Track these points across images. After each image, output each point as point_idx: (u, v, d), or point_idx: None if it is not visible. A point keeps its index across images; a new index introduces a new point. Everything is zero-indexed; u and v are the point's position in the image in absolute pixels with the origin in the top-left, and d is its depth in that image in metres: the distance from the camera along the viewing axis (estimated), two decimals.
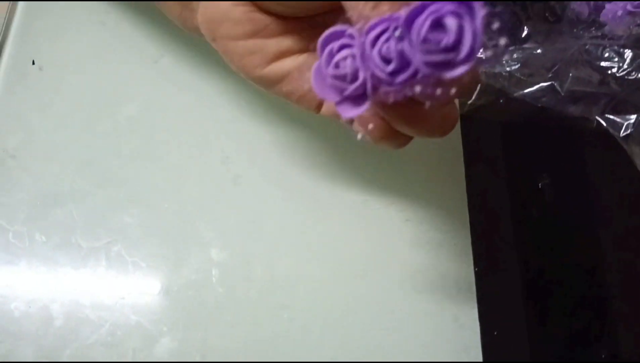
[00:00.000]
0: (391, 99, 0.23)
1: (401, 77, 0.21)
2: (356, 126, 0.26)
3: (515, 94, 0.42)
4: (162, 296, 0.40)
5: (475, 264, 0.41)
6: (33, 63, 0.47)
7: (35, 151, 0.44)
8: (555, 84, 0.40)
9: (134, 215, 0.42)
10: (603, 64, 0.40)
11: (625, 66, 0.41)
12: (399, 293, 0.41)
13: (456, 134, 0.45)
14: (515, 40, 0.43)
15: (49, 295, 0.40)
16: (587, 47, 0.40)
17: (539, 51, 0.42)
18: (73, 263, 0.41)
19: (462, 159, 0.44)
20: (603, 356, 0.39)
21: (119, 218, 0.42)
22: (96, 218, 0.42)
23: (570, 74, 0.39)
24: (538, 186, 0.43)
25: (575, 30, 0.43)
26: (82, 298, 0.40)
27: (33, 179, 0.43)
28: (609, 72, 0.40)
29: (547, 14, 0.42)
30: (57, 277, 0.40)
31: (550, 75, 0.41)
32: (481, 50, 0.21)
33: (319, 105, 0.33)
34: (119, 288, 0.40)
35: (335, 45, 0.23)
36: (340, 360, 0.39)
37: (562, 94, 0.39)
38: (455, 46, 0.20)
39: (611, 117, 0.40)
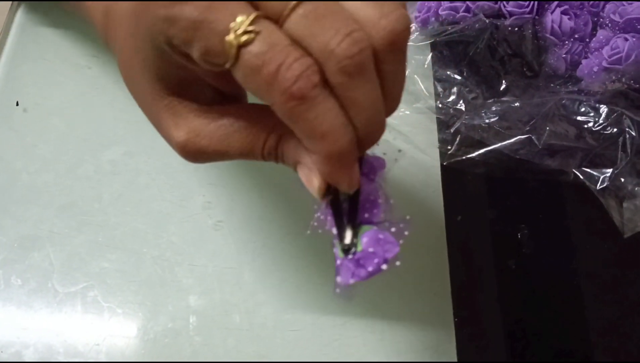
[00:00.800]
0: None
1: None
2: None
3: (494, 146, 0.42)
4: (138, 344, 0.39)
5: (455, 314, 0.41)
6: (17, 104, 0.47)
7: (16, 193, 0.44)
8: (533, 138, 0.41)
9: (112, 260, 0.42)
10: (579, 118, 0.41)
11: (601, 121, 0.42)
12: (377, 343, 0.40)
13: (436, 184, 0.45)
14: (494, 93, 0.44)
15: (22, 340, 0.39)
16: (563, 101, 0.41)
17: (516, 104, 0.43)
18: (48, 308, 0.40)
19: (442, 209, 0.44)
20: None
21: (96, 263, 0.42)
22: (74, 262, 0.41)
23: (547, 128, 0.40)
24: (517, 236, 0.43)
25: (552, 85, 0.44)
26: (56, 344, 0.39)
27: (12, 222, 0.43)
28: (585, 126, 0.41)
29: (524, 69, 0.44)
30: (31, 322, 0.40)
31: (527, 128, 0.42)
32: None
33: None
34: (93, 335, 0.39)
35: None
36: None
37: (540, 147, 0.40)
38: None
39: (588, 170, 0.41)
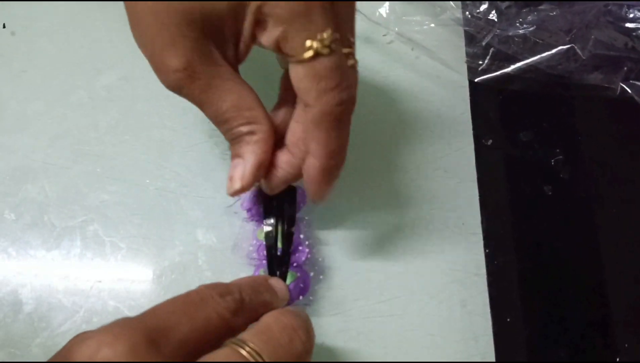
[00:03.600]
0: None
1: None
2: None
3: (531, 59, 0.38)
4: (143, 280, 0.36)
5: (486, 245, 0.38)
6: (4, 27, 0.43)
7: (6, 122, 0.40)
8: (576, 48, 0.36)
9: (112, 192, 0.38)
10: (628, 25, 0.36)
11: None
12: (403, 278, 0.37)
13: (464, 104, 0.41)
14: (530, 0, 0.39)
15: (18, 278, 0.36)
16: (609, 7, 0.36)
17: (555, 12, 0.38)
18: (45, 244, 0.37)
19: (471, 132, 0.40)
20: (626, 345, 0.35)
21: (95, 195, 0.38)
22: (71, 195, 0.38)
23: (592, 36, 0.36)
24: (552, 161, 0.40)
25: None
26: (54, 281, 0.36)
27: (2, 153, 0.39)
28: (635, 33, 0.36)
29: None
30: (27, 259, 0.37)
31: (569, 38, 0.37)
32: None
33: None
34: (95, 271, 0.36)
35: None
36: (342, 345, 0.35)
37: (583, 58, 0.36)
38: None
39: (637, 83, 0.36)
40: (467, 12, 0.40)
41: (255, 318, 0.28)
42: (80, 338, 0.22)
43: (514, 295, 0.36)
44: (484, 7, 0.40)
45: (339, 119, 0.28)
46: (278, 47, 0.28)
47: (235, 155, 0.32)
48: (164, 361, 0.23)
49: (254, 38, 0.29)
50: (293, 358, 0.25)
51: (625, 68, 0.37)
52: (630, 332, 0.36)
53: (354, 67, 0.29)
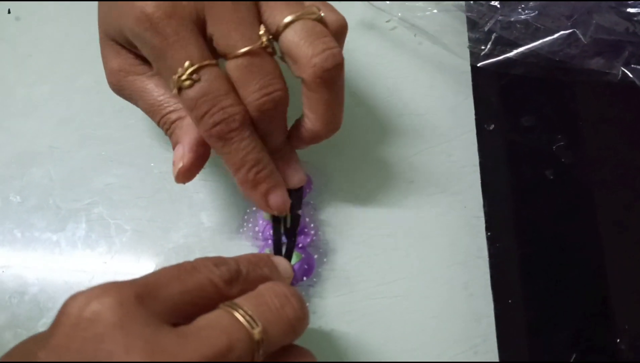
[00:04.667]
0: None
1: None
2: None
3: (532, 44, 0.38)
4: (148, 262, 0.37)
5: (488, 228, 0.38)
6: (9, 12, 0.43)
7: (12, 106, 0.41)
8: (578, 32, 0.36)
9: (117, 175, 0.39)
10: (630, 10, 0.36)
11: None
12: (404, 259, 0.37)
13: (467, 89, 0.41)
14: None
15: (24, 259, 0.36)
16: None
17: None
18: (50, 226, 0.37)
19: (473, 117, 0.41)
20: (626, 327, 0.36)
21: (101, 179, 0.39)
22: (76, 178, 0.39)
23: (594, 21, 0.36)
24: (554, 145, 0.40)
25: None
26: (60, 263, 0.36)
27: (9, 137, 0.40)
28: (636, 18, 0.36)
29: None
30: (32, 241, 0.37)
31: (570, 23, 0.37)
32: None
33: None
34: (100, 253, 0.37)
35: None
36: (345, 326, 0.36)
37: (585, 42, 0.36)
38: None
39: (638, 67, 0.37)
40: None
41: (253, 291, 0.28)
42: (73, 296, 0.24)
43: (515, 278, 0.37)
44: None
45: (223, 136, 0.30)
46: None
47: (174, 143, 0.33)
48: (150, 316, 0.23)
49: None
50: (284, 322, 0.26)
51: (627, 53, 0.37)
52: (630, 314, 0.36)
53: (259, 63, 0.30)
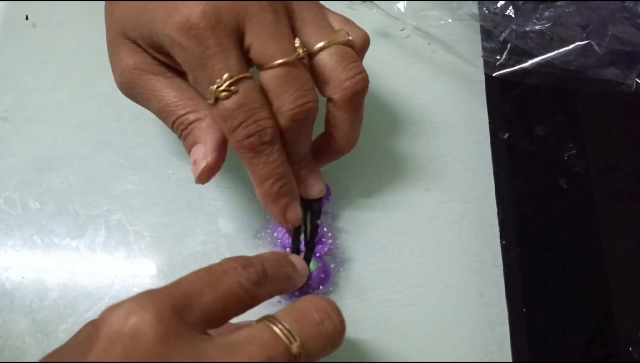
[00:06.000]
0: None
1: None
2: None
3: (547, 55, 0.39)
4: (166, 268, 0.37)
5: (502, 237, 0.38)
6: (27, 19, 0.43)
7: (29, 112, 0.41)
8: (593, 43, 0.37)
9: (135, 182, 0.39)
10: None
11: None
12: (419, 267, 0.38)
13: (481, 98, 0.42)
14: None
15: (43, 265, 0.37)
16: (625, 3, 0.37)
17: (572, 8, 0.39)
18: (70, 232, 0.38)
19: (487, 126, 0.41)
20: (639, 335, 0.36)
21: (119, 185, 0.39)
22: (95, 185, 0.39)
23: (610, 32, 0.36)
24: (567, 154, 0.40)
25: None
26: (79, 269, 0.37)
27: (26, 143, 0.40)
28: None
29: None
30: (52, 247, 0.37)
31: (585, 34, 0.38)
32: None
33: None
34: (119, 259, 0.37)
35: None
36: (360, 333, 0.36)
37: (600, 54, 0.36)
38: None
39: None
40: (484, 8, 0.41)
41: (278, 290, 0.29)
42: (110, 309, 0.24)
43: (529, 286, 0.37)
44: (501, 3, 0.40)
45: (254, 149, 0.31)
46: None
47: (190, 144, 0.33)
48: (188, 328, 0.24)
49: None
50: (322, 336, 0.26)
51: None
52: None
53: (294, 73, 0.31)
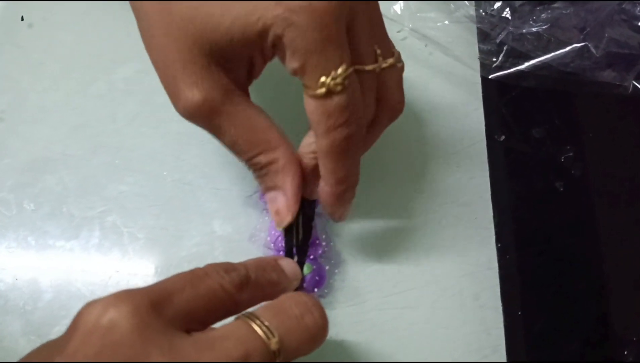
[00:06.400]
0: None
1: None
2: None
3: (543, 58, 0.39)
4: (160, 270, 0.37)
5: (498, 240, 0.38)
6: (22, 19, 0.43)
7: (25, 113, 0.41)
8: (590, 46, 0.37)
9: (130, 183, 0.39)
10: None
11: None
12: (414, 270, 0.38)
13: (477, 100, 0.41)
14: None
15: (38, 267, 0.37)
16: (623, 5, 0.37)
17: (569, 10, 0.38)
18: (64, 234, 0.38)
19: (483, 128, 0.41)
20: (634, 339, 0.36)
21: (114, 186, 0.39)
22: (90, 186, 0.39)
23: (607, 35, 0.36)
24: (563, 157, 0.40)
25: None
26: (73, 270, 0.37)
27: (22, 143, 0.40)
28: None
29: None
30: (46, 248, 0.37)
31: (582, 36, 0.37)
32: None
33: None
34: (113, 261, 0.37)
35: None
36: (355, 336, 0.36)
37: (597, 56, 0.36)
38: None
39: None
40: (481, 10, 0.40)
41: (263, 295, 0.28)
42: (88, 303, 0.24)
43: (525, 289, 0.37)
44: (497, 4, 0.40)
45: (346, 150, 0.29)
46: (294, 74, 0.28)
47: (267, 188, 0.32)
48: (166, 323, 0.24)
49: (267, 61, 0.30)
50: (302, 331, 0.26)
51: (639, 66, 0.37)
52: (638, 326, 0.37)
53: (394, 73, 0.31)
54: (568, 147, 0.40)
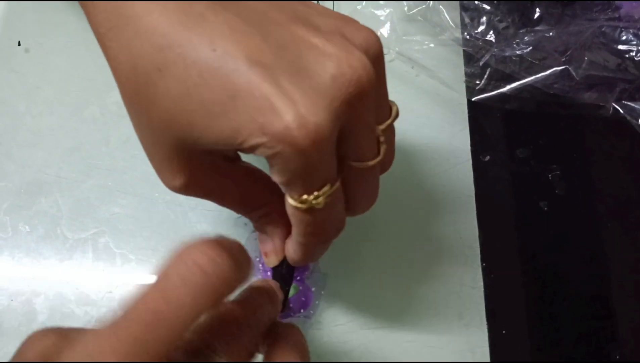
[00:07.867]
0: None
1: None
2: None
3: (527, 80, 0.39)
4: None
5: (483, 259, 0.39)
6: (19, 44, 0.45)
7: (20, 137, 0.42)
8: (570, 69, 0.37)
9: (122, 205, 0.40)
10: (620, 47, 0.37)
11: None
12: (401, 290, 0.38)
13: (463, 121, 0.42)
14: (527, 22, 0.40)
15: (32, 288, 0.38)
16: (603, 29, 0.38)
17: (551, 33, 0.39)
18: (58, 255, 0.39)
19: (469, 148, 0.42)
20: (617, 357, 0.37)
21: (106, 208, 0.40)
22: (83, 208, 0.40)
23: (586, 58, 0.37)
24: (548, 177, 0.41)
25: (589, 12, 0.41)
26: (67, 291, 0.38)
27: (17, 167, 0.41)
28: (627, 55, 0.37)
29: None
30: (41, 269, 0.38)
31: (564, 59, 0.38)
32: None
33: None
34: (106, 282, 0.38)
35: None
36: (342, 356, 0.37)
37: (577, 79, 0.37)
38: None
39: (629, 103, 0.38)
40: (466, 33, 0.41)
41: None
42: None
43: (509, 308, 0.38)
44: (482, 27, 0.41)
45: (328, 241, 0.30)
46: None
47: (259, 230, 0.33)
48: None
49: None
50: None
51: (618, 89, 0.38)
52: (626, 346, 0.37)
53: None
54: (552, 167, 0.41)
